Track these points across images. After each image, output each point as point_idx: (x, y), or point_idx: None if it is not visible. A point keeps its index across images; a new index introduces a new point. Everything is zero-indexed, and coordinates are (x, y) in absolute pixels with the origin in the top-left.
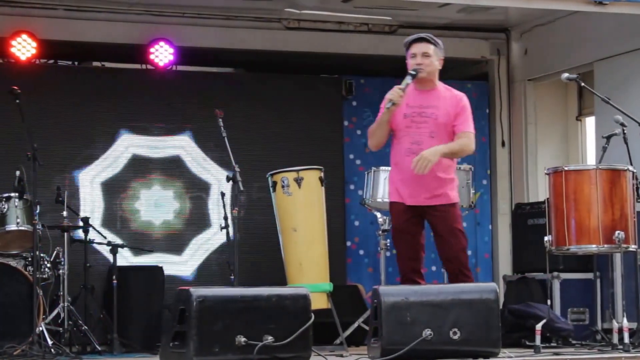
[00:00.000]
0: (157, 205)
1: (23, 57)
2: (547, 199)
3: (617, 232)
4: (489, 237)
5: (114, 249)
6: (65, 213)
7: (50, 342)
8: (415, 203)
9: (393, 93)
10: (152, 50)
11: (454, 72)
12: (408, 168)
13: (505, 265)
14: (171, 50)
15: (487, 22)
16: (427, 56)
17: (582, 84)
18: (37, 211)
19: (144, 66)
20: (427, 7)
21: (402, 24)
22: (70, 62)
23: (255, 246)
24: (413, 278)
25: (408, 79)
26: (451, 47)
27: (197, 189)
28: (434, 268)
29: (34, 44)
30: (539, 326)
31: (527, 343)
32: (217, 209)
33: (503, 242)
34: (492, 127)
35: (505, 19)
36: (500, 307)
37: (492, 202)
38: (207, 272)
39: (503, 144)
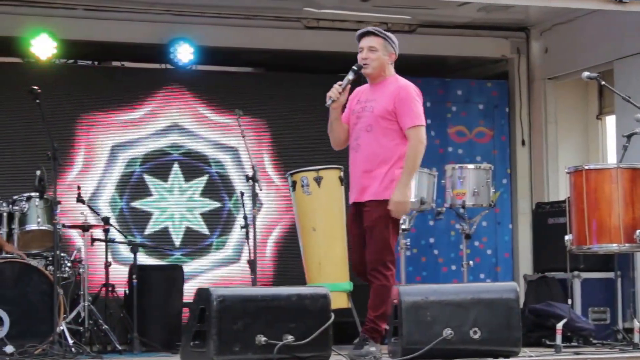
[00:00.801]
0: (178, 204)
1: (43, 57)
2: (568, 198)
3: (638, 231)
4: (509, 236)
5: (134, 248)
6: (85, 212)
7: (70, 342)
8: (352, 200)
9: (332, 90)
10: (172, 49)
11: (474, 71)
12: (352, 165)
13: (525, 264)
14: (191, 49)
15: (507, 21)
16: (374, 50)
17: (603, 82)
18: (57, 210)
19: (164, 66)
20: (447, 6)
21: (421, 23)
22: (90, 62)
23: (276, 245)
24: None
25: (349, 75)
26: (471, 46)
27: (217, 188)
28: (453, 267)
29: (54, 44)
30: (559, 325)
31: (548, 342)
32: (238, 208)
33: (523, 241)
34: (512, 126)
35: (525, 18)
36: (521, 306)
37: (512, 201)
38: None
39: (523, 143)
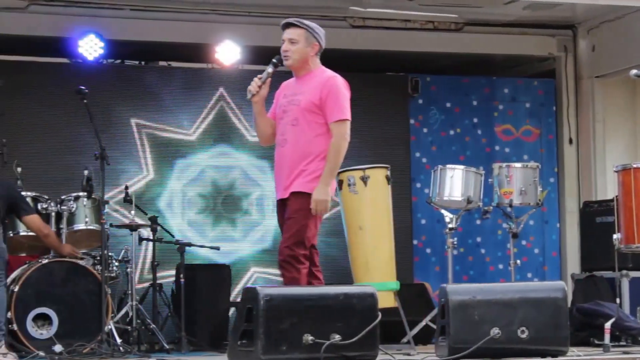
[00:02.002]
0: (223, 203)
1: (90, 57)
2: (616, 196)
3: None
4: (556, 235)
5: (182, 247)
6: (133, 212)
7: (118, 341)
8: (278, 197)
9: (252, 83)
10: (217, 49)
11: (521, 69)
12: (278, 160)
13: (573, 263)
14: (237, 49)
15: (553, 19)
16: (294, 42)
17: None
18: (105, 210)
19: (210, 65)
20: (493, 4)
21: (468, 22)
22: (137, 62)
23: (323, 244)
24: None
25: (269, 68)
26: (518, 44)
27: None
28: (500, 266)
29: (101, 44)
30: (608, 325)
31: (596, 342)
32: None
33: (571, 240)
34: (560, 124)
35: (572, 16)
36: (569, 305)
37: (559, 200)
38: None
39: (570, 142)
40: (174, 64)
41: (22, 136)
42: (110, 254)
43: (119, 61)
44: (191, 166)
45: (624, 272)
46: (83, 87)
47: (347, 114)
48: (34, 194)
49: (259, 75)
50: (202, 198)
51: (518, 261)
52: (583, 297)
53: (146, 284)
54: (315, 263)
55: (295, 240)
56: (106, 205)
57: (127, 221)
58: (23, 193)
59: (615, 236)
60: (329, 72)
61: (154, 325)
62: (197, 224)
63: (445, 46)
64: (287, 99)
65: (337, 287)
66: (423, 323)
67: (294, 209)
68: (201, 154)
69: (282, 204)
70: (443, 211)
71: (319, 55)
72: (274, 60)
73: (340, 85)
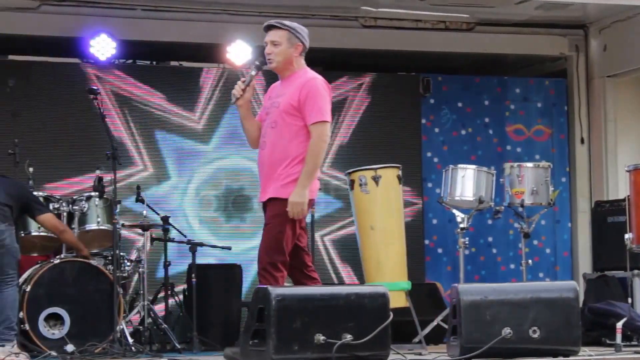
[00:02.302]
0: (235, 203)
1: (102, 57)
2: (628, 196)
3: None
4: (568, 235)
5: (193, 247)
6: (145, 212)
7: (130, 341)
8: (259, 200)
9: (235, 87)
10: (229, 49)
11: (533, 69)
12: (259, 163)
13: (584, 263)
14: (248, 49)
15: (565, 19)
16: (277, 45)
17: None
18: (117, 210)
19: (221, 65)
20: (505, 4)
21: (479, 22)
22: (148, 62)
23: (334, 244)
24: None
25: (252, 71)
26: (529, 44)
27: None
28: (512, 266)
29: (113, 44)
30: (619, 325)
31: (608, 342)
32: None
33: (582, 240)
34: (571, 124)
35: (583, 15)
36: (580, 305)
37: (571, 200)
38: None
39: (582, 141)
40: (185, 64)
41: (33, 136)
42: (121, 254)
43: (130, 61)
44: (204, 167)
45: (636, 271)
46: (95, 87)
47: (327, 116)
48: (45, 194)
49: (242, 79)
50: (214, 198)
51: (529, 261)
52: (595, 296)
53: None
54: (307, 264)
55: (274, 246)
56: (118, 205)
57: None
58: (35, 193)
59: (626, 236)
60: (311, 73)
61: (165, 325)
62: (209, 224)
63: (456, 46)
64: (271, 101)
65: (349, 286)
66: (434, 323)
67: (269, 215)
68: (212, 154)
69: (263, 207)
70: (454, 211)
71: (303, 56)
72: (257, 62)
73: (319, 87)
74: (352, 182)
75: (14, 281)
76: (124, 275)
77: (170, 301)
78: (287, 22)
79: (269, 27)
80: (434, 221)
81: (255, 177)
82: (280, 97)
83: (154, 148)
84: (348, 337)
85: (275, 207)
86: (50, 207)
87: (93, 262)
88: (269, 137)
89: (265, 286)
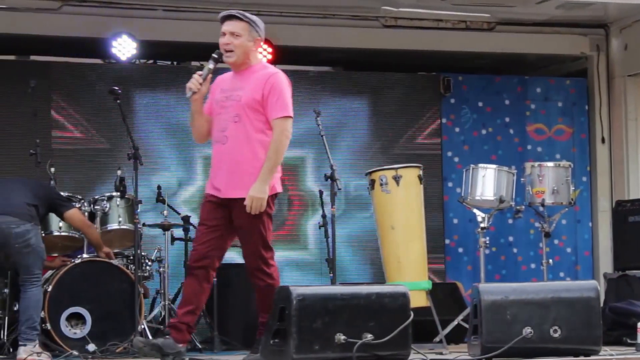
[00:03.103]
0: None
1: (123, 58)
2: None
3: None
4: (589, 234)
5: None
6: (166, 212)
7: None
8: (218, 195)
9: (192, 81)
10: None
11: (553, 68)
12: (217, 158)
13: (605, 262)
14: (269, 49)
15: (586, 18)
16: (237, 36)
17: None
18: (138, 210)
19: None
20: (526, 3)
21: (500, 21)
22: (169, 62)
23: (354, 244)
24: (208, 277)
25: (210, 64)
26: (550, 44)
27: (295, 187)
28: (533, 266)
29: (134, 45)
30: None
31: (629, 341)
32: (316, 206)
33: (603, 239)
34: (592, 123)
35: (604, 15)
36: (601, 305)
37: (592, 199)
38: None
39: (603, 141)
40: (205, 64)
41: (55, 136)
42: (143, 253)
43: (151, 61)
44: None
45: None
46: (116, 88)
47: (290, 111)
48: (67, 194)
49: (199, 72)
50: None
51: (550, 260)
52: (615, 296)
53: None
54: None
55: (261, 245)
56: (139, 205)
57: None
58: None
59: None
60: (271, 68)
61: None
62: None
63: (477, 46)
64: (226, 94)
65: (370, 286)
66: (455, 322)
67: (251, 216)
68: None
69: (220, 201)
70: (475, 210)
71: (258, 50)
72: (214, 55)
73: (283, 82)
74: (372, 182)
75: (39, 281)
76: (145, 275)
77: None
78: (248, 14)
79: (229, 17)
80: (455, 221)
81: None
82: (239, 91)
83: (177, 149)
84: (369, 337)
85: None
86: None
87: (114, 261)
88: (231, 131)
89: (286, 285)
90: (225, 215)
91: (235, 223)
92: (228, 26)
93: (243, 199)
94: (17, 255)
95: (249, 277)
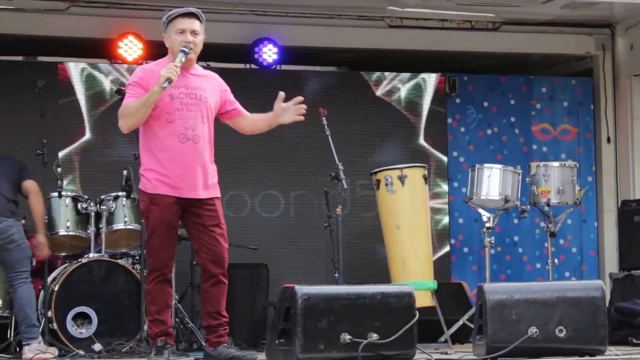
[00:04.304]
0: (262, 202)
1: (130, 58)
2: None
3: None
4: (594, 234)
5: None
6: None
7: None
8: (186, 195)
9: (170, 70)
10: (256, 50)
11: (559, 68)
12: (183, 156)
13: (611, 262)
14: (275, 49)
15: (591, 18)
16: (197, 34)
17: None
18: None
19: (248, 66)
20: (531, 3)
21: (505, 21)
22: None
23: (359, 244)
24: (168, 277)
25: (182, 57)
26: (555, 43)
27: (300, 187)
28: (538, 265)
29: (140, 45)
30: None
31: (634, 341)
32: (321, 207)
33: (609, 239)
34: (597, 123)
35: (610, 14)
36: (607, 304)
37: (597, 199)
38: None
39: (608, 140)
40: (212, 64)
41: (61, 136)
42: None
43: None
44: None
45: None
46: (123, 88)
47: None
48: (73, 194)
49: (175, 64)
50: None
51: (556, 260)
52: (621, 296)
53: (185, 283)
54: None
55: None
56: None
57: None
58: (63, 193)
59: None
60: (207, 70)
61: (192, 324)
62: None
63: (482, 45)
64: (180, 90)
65: (375, 286)
66: (460, 322)
67: (221, 214)
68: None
69: (185, 202)
70: (480, 210)
71: None
72: (184, 49)
73: None
74: (377, 182)
75: (28, 278)
76: None
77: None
78: (202, 14)
79: (189, 15)
80: (460, 220)
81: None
82: (198, 90)
83: None
84: (374, 337)
85: (219, 205)
86: (78, 206)
87: (120, 261)
88: (201, 130)
89: (291, 285)
90: (181, 215)
91: (209, 222)
92: (189, 24)
93: (217, 199)
94: (3, 252)
95: (220, 276)
